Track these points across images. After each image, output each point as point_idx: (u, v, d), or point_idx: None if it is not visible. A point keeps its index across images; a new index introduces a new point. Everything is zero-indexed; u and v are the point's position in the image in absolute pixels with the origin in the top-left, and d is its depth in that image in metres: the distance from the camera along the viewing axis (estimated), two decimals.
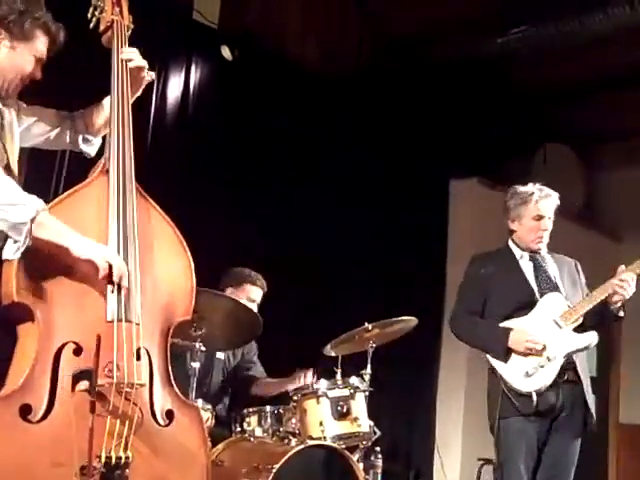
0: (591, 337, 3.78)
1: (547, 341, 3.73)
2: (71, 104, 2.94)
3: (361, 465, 3.87)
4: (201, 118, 5.56)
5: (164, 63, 5.42)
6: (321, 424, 3.77)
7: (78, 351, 2.40)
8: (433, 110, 6.81)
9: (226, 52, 5.64)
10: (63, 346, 2.40)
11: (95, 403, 2.24)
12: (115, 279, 2.44)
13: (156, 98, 5.33)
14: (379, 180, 6.52)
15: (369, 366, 4.16)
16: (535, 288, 3.88)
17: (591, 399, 3.80)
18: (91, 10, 2.83)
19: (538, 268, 3.95)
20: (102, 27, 2.81)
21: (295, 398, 3.88)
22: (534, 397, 3.67)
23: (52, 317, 2.42)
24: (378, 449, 4.39)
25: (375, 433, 3.93)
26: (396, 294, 6.32)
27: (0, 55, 2.56)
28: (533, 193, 3.95)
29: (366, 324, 4.16)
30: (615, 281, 3.75)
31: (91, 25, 2.85)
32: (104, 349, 2.39)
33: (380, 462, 4.43)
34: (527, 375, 3.71)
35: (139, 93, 2.85)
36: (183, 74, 5.55)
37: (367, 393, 3.96)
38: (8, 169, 2.59)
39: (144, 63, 2.80)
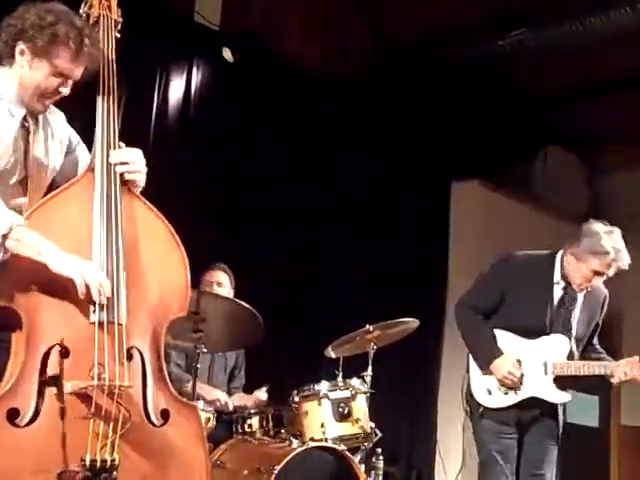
0: (564, 398, 3.80)
1: (525, 376, 3.74)
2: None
3: (362, 467, 3.88)
4: (202, 120, 5.57)
5: (165, 65, 5.44)
6: (322, 425, 3.77)
7: (65, 354, 2.37)
8: (433, 112, 6.80)
9: (227, 54, 5.64)
10: (50, 349, 2.36)
11: (64, 410, 2.21)
12: (95, 298, 2.38)
13: (157, 100, 5.35)
14: (380, 181, 6.53)
15: (370, 367, 4.17)
16: (548, 320, 3.80)
17: (561, 411, 3.82)
18: (82, 6, 2.83)
19: (565, 303, 3.84)
20: (91, 22, 2.78)
21: (296, 400, 3.89)
22: (480, 409, 3.76)
23: (38, 321, 2.38)
24: (379, 450, 4.39)
25: (376, 434, 3.94)
26: (397, 296, 6.31)
27: (20, 70, 2.55)
28: (608, 253, 3.69)
29: (367, 325, 4.16)
30: (627, 369, 3.67)
31: None
32: (89, 351, 2.36)
33: (381, 463, 4.43)
34: (488, 392, 3.77)
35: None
36: (184, 76, 5.55)
37: (368, 394, 3.97)
38: (24, 184, 2.55)
39: (137, 168, 2.61)
